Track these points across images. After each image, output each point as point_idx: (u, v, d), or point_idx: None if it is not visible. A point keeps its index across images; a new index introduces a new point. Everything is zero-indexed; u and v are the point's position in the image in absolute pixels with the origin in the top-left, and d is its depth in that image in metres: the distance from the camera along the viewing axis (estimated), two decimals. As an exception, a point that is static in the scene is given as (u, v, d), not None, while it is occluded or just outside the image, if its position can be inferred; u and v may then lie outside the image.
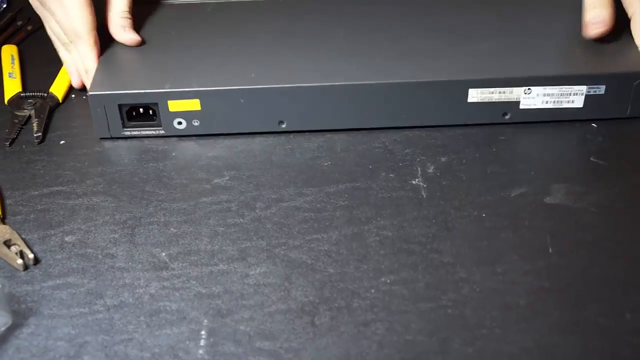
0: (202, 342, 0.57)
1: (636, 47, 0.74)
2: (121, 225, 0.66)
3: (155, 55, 0.77)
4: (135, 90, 0.72)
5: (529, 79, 0.72)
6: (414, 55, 0.75)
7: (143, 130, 0.75)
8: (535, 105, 0.73)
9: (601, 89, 0.72)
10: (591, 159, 0.71)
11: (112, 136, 0.75)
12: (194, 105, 0.73)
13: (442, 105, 0.73)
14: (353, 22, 0.80)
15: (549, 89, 0.72)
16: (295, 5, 0.83)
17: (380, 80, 0.72)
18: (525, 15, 0.80)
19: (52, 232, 0.66)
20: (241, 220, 0.67)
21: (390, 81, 0.72)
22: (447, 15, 0.81)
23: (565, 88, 0.72)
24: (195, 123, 0.74)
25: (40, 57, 0.87)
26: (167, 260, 0.63)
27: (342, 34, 0.78)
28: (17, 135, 0.77)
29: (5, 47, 0.90)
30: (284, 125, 0.74)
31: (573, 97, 0.73)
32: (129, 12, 0.79)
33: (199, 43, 0.78)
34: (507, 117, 0.73)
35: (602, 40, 0.75)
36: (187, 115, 0.73)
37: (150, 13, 0.83)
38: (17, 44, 0.91)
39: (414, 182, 0.70)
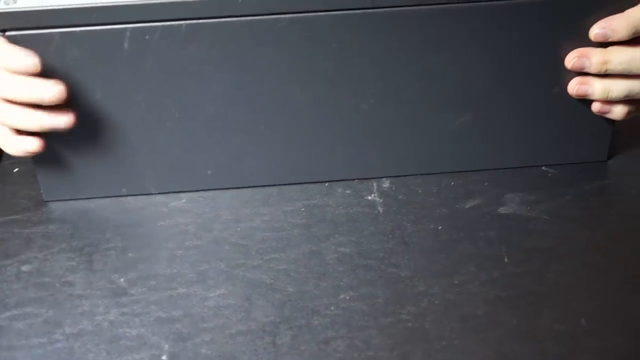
0: (164, 367, 0.57)
1: None
2: (78, 252, 0.66)
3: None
4: (91, 197, 0.71)
5: None
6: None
7: None
8: None
9: None
10: (542, 167, 0.72)
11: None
12: None
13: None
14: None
15: None
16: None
17: None
18: None
19: (8, 262, 0.65)
20: (199, 242, 0.67)
21: None
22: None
23: None
24: None
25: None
26: (126, 285, 0.63)
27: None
28: (-31, 165, 0.76)
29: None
30: None
31: None
32: None
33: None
34: None
35: None
36: None
37: None
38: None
39: (370, 197, 0.70)
